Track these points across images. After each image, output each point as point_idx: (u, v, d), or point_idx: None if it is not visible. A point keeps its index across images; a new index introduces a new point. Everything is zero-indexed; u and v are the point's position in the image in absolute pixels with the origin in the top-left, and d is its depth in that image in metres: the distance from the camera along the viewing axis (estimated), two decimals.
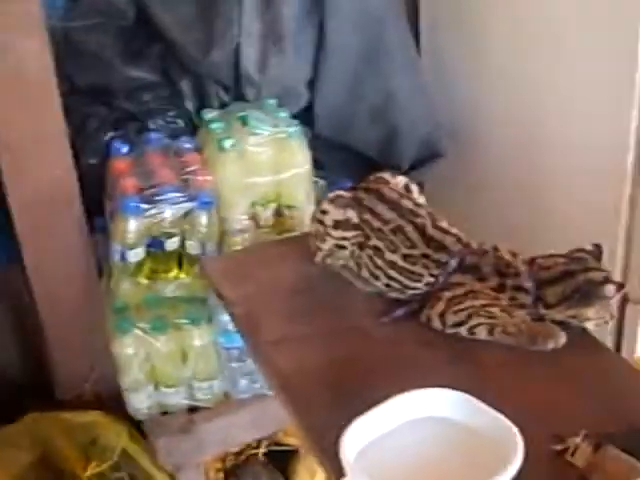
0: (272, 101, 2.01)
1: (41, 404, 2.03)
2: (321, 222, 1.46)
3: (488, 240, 1.41)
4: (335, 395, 1.20)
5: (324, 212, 1.46)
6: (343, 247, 1.45)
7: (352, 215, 1.44)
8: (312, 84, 2.10)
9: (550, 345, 1.27)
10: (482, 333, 1.30)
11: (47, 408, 2.01)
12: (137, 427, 2.01)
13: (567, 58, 1.86)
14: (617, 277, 1.76)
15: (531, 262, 1.35)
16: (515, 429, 1.03)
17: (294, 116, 2.01)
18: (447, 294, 1.34)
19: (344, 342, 1.35)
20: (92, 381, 2.08)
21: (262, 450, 2.20)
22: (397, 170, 1.85)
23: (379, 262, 1.41)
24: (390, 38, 2.09)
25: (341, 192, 1.48)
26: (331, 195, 1.48)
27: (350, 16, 2.04)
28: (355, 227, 1.43)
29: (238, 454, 2.20)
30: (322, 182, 2.07)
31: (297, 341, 1.36)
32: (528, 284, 1.32)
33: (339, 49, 2.06)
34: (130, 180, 1.79)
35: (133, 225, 1.73)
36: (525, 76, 2.00)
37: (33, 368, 2.31)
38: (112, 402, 2.05)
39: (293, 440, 2.19)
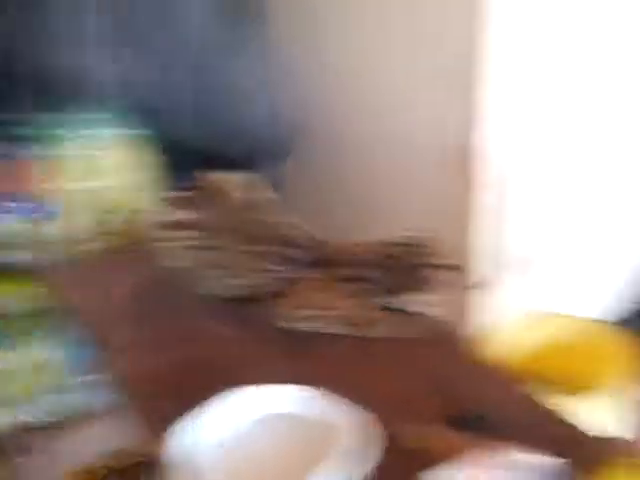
0: (112, 105, 1.97)
1: None
2: (161, 225, 1.45)
3: (334, 234, 1.42)
4: (179, 399, 1.19)
5: (164, 214, 1.45)
6: (184, 248, 1.44)
7: (192, 215, 1.43)
8: (152, 85, 2.08)
9: (381, 332, 1.29)
10: (323, 326, 1.31)
11: None
12: None
13: (397, 55, 1.91)
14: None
15: (371, 251, 1.37)
16: (357, 419, 1.05)
17: (135, 119, 1.99)
18: (290, 290, 1.35)
19: (188, 344, 1.34)
20: None
21: (120, 462, 2.16)
22: (242, 168, 1.85)
23: (221, 261, 1.41)
24: (233, 35, 2.08)
25: (181, 193, 1.47)
26: (170, 196, 1.47)
27: (189, 14, 2.02)
28: (196, 227, 1.43)
29: (95, 468, 2.15)
30: (164, 184, 2.05)
31: (142, 347, 1.35)
32: (369, 274, 1.34)
33: (178, 48, 2.04)
34: None
35: None
36: (359, 73, 2.04)
37: None
38: None
39: (151, 449, 2.16)
